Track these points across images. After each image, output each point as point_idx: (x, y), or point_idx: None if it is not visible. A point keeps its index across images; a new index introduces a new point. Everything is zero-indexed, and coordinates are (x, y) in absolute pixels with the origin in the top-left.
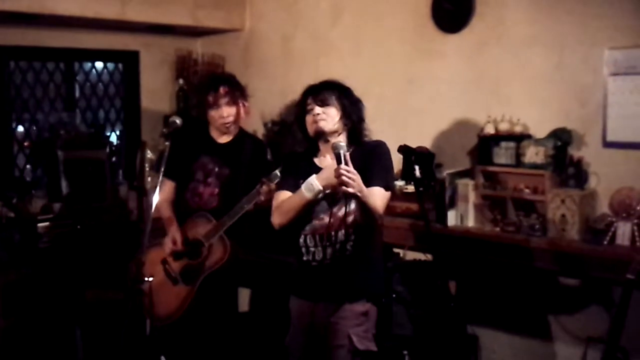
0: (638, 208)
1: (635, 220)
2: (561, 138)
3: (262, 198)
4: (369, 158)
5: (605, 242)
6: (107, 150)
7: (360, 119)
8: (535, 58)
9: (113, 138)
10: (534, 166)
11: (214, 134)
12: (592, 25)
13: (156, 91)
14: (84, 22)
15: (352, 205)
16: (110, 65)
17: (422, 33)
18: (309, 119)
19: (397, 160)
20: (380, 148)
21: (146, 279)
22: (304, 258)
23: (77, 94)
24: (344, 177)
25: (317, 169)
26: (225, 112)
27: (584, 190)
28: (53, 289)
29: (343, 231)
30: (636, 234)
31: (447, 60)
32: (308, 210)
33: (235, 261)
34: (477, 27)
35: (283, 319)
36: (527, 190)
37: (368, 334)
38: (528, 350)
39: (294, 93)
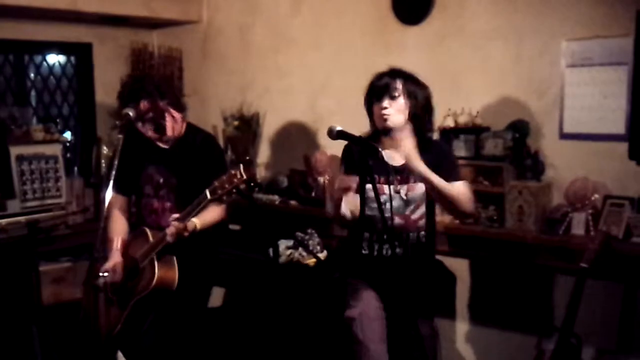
0: (592, 198)
1: (590, 210)
2: (519, 130)
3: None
4: (439, 159)
5: (560, 232)
6: (61, 146)
7: (429, 109)
8: (494, 50)
9: (67, 134)
10: (493, 158)
11: None
12: (550, 17)
13: (111, 85)
14: (33, 13)
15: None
16: (62, 58)
17: (383, 25)
18: (376, 110)
19: None
20: (445, 147)
21: (101, 274)
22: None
23: (29, 87)
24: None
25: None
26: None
27: (540, 182)
28: (8, 287)
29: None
30: (590, 223)
31: (407, 53)
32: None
33: (170, 291)
34: (438, 19)
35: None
36: (485, 183)
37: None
38: (485, 339)
39: (254, 86)
